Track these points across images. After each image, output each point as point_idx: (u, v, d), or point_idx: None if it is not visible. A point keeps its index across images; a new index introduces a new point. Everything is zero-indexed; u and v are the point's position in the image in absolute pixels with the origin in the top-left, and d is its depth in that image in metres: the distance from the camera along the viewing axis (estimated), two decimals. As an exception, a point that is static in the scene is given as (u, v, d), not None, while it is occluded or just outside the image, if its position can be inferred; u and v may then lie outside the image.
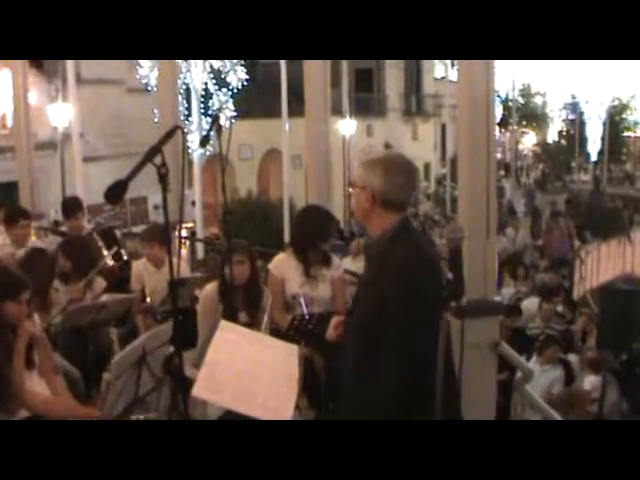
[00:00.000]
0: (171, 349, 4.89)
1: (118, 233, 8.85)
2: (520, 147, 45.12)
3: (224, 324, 3.64)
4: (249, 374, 3.25)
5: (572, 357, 8.96)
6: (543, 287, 13.70)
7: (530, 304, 11.43)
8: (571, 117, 42.50)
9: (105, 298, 5.85)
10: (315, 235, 5.03)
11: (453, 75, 28.93)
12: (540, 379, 7.97)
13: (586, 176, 42.20)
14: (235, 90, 18.75)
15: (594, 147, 40.13)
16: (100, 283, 6.07)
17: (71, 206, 7.56)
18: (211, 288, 4.93)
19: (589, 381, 8.26)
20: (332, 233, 5.20)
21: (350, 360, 3.07)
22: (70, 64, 13.26)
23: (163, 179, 2.71)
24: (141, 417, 3.96)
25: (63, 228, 8.24)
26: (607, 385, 7.69)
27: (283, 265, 5.13)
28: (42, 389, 4.25)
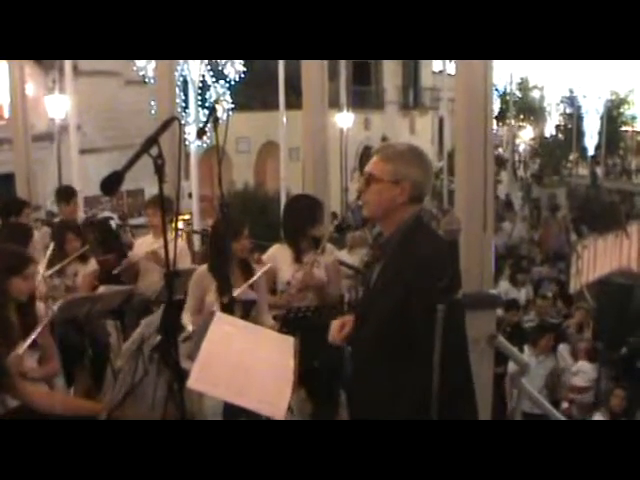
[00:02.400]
0: (158, 337, 4.94)
1: (113, 224, 8.85)
2: (517, 141, 45.09)
3: (220, 316, 3.64)
4: (244, 366, 3.25)
5: (563, 347, 9.02)
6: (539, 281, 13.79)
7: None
8: (569, 111, 42.48)
9: (101, 290, 5.87)
10: (303, 222, 5.10)
11: (451, 68, 28.87)
12: (539, 371, 8.03)
13: (583, 170, 42.22)
14: (232, 82, 18.70)
15: (591, 141, 40.14)
16: (91, 266, 6.10)
17: (66, 193, 7.60)
18: (203, 267, 4.94)
19: (578, 368, 8.32)
20: (320, 219, 5.22)
21: (367, 366, 2.93)
22: (67, 55, 13.24)
23: (159, 170, 2.70)
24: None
25: (57, 219, 8.25)
26: (602, 376, 7.74)
27: (277, 255, 5.20)
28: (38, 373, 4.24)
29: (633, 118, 43.50)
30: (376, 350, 2.86)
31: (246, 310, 4.68)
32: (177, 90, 12.92)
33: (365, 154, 30.97)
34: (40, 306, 4.40)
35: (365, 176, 2.96)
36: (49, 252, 5.78)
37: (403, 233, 2.88)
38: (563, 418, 6.03)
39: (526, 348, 8.41)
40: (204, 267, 4.88)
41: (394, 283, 2.78)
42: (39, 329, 4.09)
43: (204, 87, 17.91)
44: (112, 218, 9.46)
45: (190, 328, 4.53)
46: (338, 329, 3.11)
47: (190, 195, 16.49)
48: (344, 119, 26.18)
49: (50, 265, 5.85)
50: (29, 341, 4.03)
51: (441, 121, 34.02)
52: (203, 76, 17.57)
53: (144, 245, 6.60)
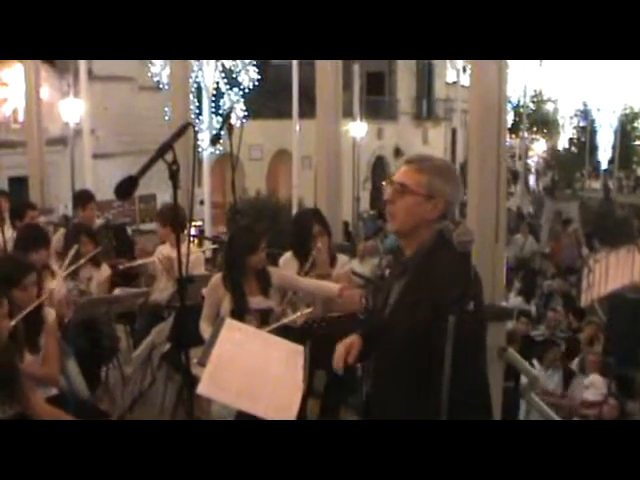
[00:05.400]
0: (167, 346, 4.94)
1: (129, 230, 8.89)
2: (530, 153, 44.96)
3: (230, 323, 3.64)
4: (254, 373, 3.26)
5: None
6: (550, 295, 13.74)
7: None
8: (582, 124, 42.33)
9: (117, 292, 5.89)
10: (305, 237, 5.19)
11: (465, 80, 28.91)
12: (546, 384, 8.01)
13: (596, 184, 42.08)
14: (246, 90, 18.76)
15: (604, 155, 39.99)
16: (104, 271, 6.09)
17: (83, 197, 7.62)
18: (218, 276, 4.93)
19: (590, 382, 8.26)
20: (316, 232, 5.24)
21: (388, 380, 2.85)
22: (82, 60, 13.31)
23: (174, 176, 2.71)
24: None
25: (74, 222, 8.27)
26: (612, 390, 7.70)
27: (287, 265, 5.30)
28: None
29: (647, 132, 43.36)
30: (398, 366, 2.78)
31: (263, 319, 4.69)
32: (191, 97, 12.96)
33: (377, 164, 31.00)
34: (50, 312, 4.37)
35: (395, 186, 2.78)
36: (71, 255, 5.73)
37: (427, 252, 2.75)
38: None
39: (535, 362, 8.39)
40: (219, 276, 4.88)
41: (419, 303, 2.67)
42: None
43: (218, 94, 17.98)
44: (128, 224, 9.48)
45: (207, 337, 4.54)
46: (344, 355, 2.94)
47: (202, 202, 16.54)
48: (357, 129, 26.20)
49: (69, 267, 5.76)
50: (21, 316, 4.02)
51: (454, 132, 33.99)
52: (217, 83, 17.65)
53: (164, 252, 6.55)
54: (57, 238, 7.30)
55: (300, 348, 3.60)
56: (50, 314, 4.36)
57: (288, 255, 5.40)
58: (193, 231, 12.46)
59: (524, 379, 5.74)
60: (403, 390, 2.78)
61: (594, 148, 40.32)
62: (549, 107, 45.84)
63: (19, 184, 14.03)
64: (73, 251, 5.70)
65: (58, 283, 5.36)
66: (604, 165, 40.39)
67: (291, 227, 5.53)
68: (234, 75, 18.37)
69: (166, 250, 6.41)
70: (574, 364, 9.01)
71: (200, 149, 16.49)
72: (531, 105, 42.26)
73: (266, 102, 24.14)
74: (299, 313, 4.71)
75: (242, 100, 18.95)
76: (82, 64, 13.48)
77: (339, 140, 7.69)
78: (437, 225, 2.77)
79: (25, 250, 5.05)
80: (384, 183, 3.02)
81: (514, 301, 12.52)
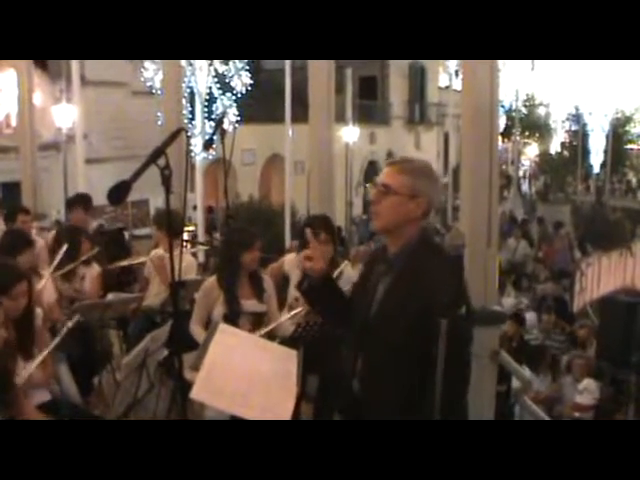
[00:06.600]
0: (165, 352, 4.93)
1: (126, 235, 8.89)
2: (522, 158, 45.03)
3: (223, 327, 3.65)
4: (247, 377, 3.26)
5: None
6: (543, 299, 13.76)
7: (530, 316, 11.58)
8: (574, 128, 42.39)
9: (111, 297, 5.88)
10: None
11: (457, 84, 28.95)
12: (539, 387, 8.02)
13: (588, 188, 42.16)
14: (239, 95, 18.74)
15: (597, 159, 40.06)
16: (95, 269, 6.07)
17: (79, 201, 7.60)
18: (212, 279, 4.95)
19: (584, 386, 8.28)
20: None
21: (377, 377, 2.89)
22: (75, 65, 13.26)
23: (166, 181, 2.71)
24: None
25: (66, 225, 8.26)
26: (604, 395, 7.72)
27: (289, 264, 5.45)
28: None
29: (639, 136, 43.44)
30: (387, 365, 2.82)
31: (256, 322, 4.70)
32: (184, 102, 12.94)
33: (370, 169, 31.03)
34: (37, 312, 4.29)
35: (379, 187, 2.91)
36: (60, 255, 5.67)
37: (413, 249, 2.87)
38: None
39: (525, 367, 8.39)
40: (213, 279, 4.90)
41: (407, 303, 2.74)
42: (51, 347, 4.07)
43: (211, 99, 17.96)
44: (125, 229, 9.48)
45: (200, 339, 4.54)
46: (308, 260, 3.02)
47: (195, 207, 16.51)
48: (350, 133, 26.21)
49: (59, 268, 5.71)
50: (40, 358, 4.01)
51: (446, 137, 34.06)
52: (210, 88, 17.62)
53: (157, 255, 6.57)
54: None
55: (293, 352, 3.61)
56: (37, 315, 4.28)
57: (293, 255, 5.48)
58: (186, 236, 12.45)
59: (516, 382, 5.74)
60: (392, 389, 2.81)
61: (586, 152, 40.37)
62: (541, 111, 45.92)
63: (12, 189, 14.00)
64: (62, 250, 5.64)
65: (48, 285, 5.33)
66: (596, 169, 40.46)
67: (300, 230, 5.63)
68: (227, 80, 18.34)
69: (160, 254, 6.44)
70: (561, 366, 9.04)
71: (193, 154, 16.45)
72: (523, 109, 42.33)
73: (259, 107, 24.14)
74: (291, 313, 4.75)
75: (235, 105, 18.91)
76: (74, 69, 13.42)
77: (332, 145, 7.71)
78: (420, 223, 2.92)
79: (10, 255, 4.93)
80: (367, 185, 3.11)
81: (509, 305, 12.53)
